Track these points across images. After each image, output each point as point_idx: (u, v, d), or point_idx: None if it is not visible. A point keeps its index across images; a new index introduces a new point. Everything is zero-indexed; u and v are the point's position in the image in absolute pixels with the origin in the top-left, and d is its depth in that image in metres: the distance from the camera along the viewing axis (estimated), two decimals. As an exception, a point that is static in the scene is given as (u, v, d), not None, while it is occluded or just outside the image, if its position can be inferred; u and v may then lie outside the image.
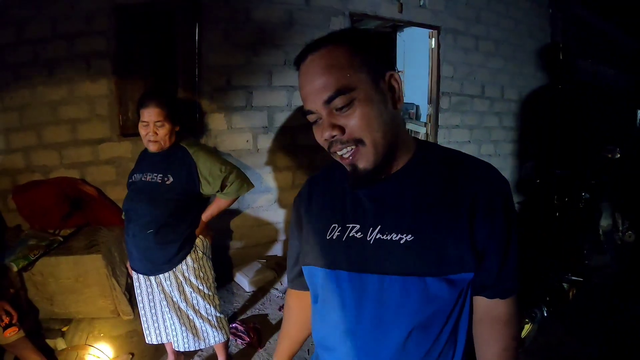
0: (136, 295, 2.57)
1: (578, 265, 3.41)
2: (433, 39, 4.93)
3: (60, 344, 3.16)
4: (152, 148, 2.36)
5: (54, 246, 3.36)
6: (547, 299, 3.12)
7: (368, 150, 0.93)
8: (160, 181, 2.34)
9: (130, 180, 2.49)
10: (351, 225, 1.02)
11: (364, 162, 0.95)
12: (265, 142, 4.16)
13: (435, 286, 0.93)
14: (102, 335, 3.30)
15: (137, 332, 3.29)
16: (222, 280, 3.93)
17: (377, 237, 0.97)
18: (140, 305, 2.56)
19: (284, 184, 4.32)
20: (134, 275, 2.53)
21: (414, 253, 0.94)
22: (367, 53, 0.94)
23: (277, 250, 4.43)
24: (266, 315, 3.56)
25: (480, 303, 1.02)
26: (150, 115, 2.30)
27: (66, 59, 3.60)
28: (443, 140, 5.17)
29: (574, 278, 3.28)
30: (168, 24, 3.77)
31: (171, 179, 2.34)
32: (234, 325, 3.30)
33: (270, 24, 3.96)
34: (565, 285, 3.32)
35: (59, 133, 3.67)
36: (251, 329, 3.28)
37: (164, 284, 2.44)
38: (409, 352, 0.97)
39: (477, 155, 5.34)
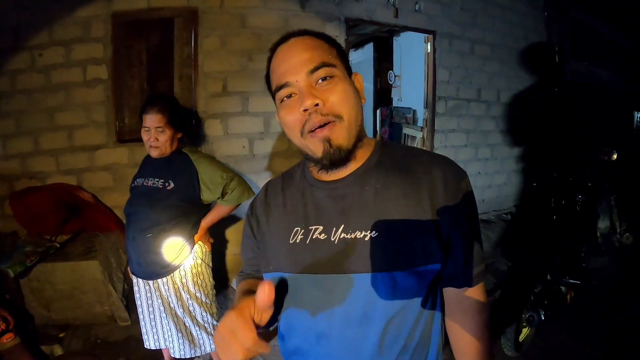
0: (135, 299, 2.55)
1: (576, 267, 3.40)
2: (429, 44, 4.94)
3: (57, 350, 3.15)
4: (154, 153, 2.37)
5: (50, 252, 3.36)
6: (545, 302, 3.11)
7: (344, 126, 0.96)
8: (161, 186, 2.34)
9: (133, 185, 2.49)
10: (314, 227, 1.01)
11: (339, 137, 0.96)
12: (262, 147, 4.16)
13: (404, 279, 0.93)
14: (98, 341, 3.29)
15: (134, 338, 3.28)
16: (218, 286, 3.91)
17: (341, 236, 0.97)
18: (139, 310, 2.55)
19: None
20: (134, 279, 2.52)
21: (380, 249, 0.93)
22: (339, 50, 1.04)
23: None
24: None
25: (450, 294, 1.02)
26: (151, 120, 2.31)
27: (63, 66, 3.62)
28: (440, 144, 5.17)
29: (571, 281, 3.27)
30: (164, 30, 3.79)
31: (172, 185, 2.34)
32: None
33: (265, 30, 3.98)
34: (563, 288, 3.30)
35: (55, 139, 3.68)
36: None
37: (162, 289, 2.43)
38: (385, 349, 0.96)
39: (474, 158, 5.40)
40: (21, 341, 2.67)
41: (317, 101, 0.93)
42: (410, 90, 6.25)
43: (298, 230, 1.03)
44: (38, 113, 3.64)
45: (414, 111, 6.25)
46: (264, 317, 0.82)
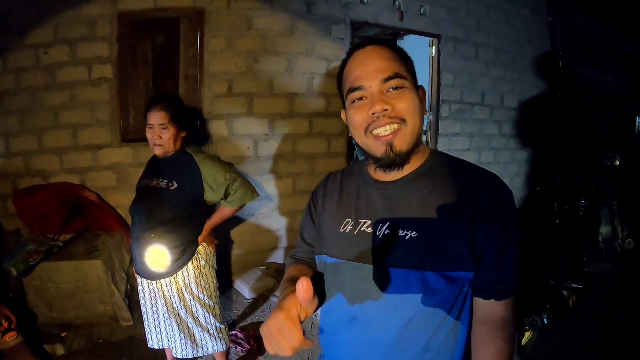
0: (139, 299, 2.54)
1: (578, 272, 3.40)
2: (433, 47, 4.95)
3: (59, 349, 3.14)
4: (157, 152, 2.37)
5: (53, 251, 3.35)
6: (548, 306, 3.12)
7: (407, 131, 1.06)
8: (164, 186, 2.34)
9: (138, 185, 2.50)
10: (363, 221, 1.11)
11: (401, 141, 1.06)
12: (266, 149, 4.17)
13: (435, 280, 1.00)
14: (101, 341, 3.28)
15: (136, 338, 3.28)
16: (222, 287, 3.91)
17: (385, 232, 1.06)
18: (143, 309, 2.54)
19: (285, 191, 4.32)
20: (138, 279, 2.51)
21: (416, 248, 1.02)
22: (409, 64, 1.12)
23: (277, 257, 4.41)
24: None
25: (478, 304, 1.06)
26: (155, 118, 2.32)
27: (68, 64, 3.62)
28: (443, 148, 5.18)
29: (574, 285, 3.28)
30: (170, 30, 3.80)
31: (175, 185, 2.34)
32: (233, 332, 3.27)
33: (271, 31, 3.99)
34: (565, 292, 3.31)
35: (59, 138, 3.67)
36: (251, 337, 3.25)
37: (165, 289, 2.43)
38: (407, 341, 1.03)
39: (477, 162, 5.36)
40: (23, 340, 2.66)
41: (386, 107, 1.03)
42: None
43: (349, 221, 1.14)
44: (42, 111, 3.63)
45: (418, 114, 6.26)
46: (308, 312, 0.94)
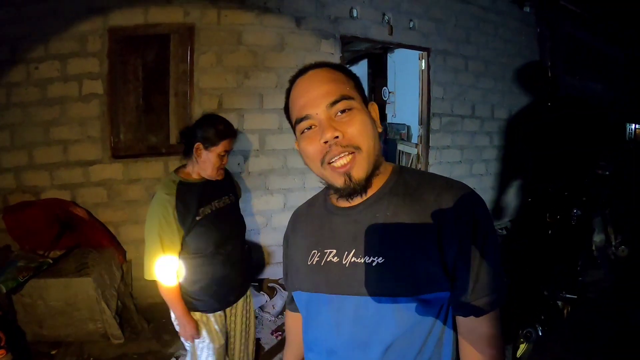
0: (229, 337, 2.41)
1: (572, 282, 3.39)
2: (423, 61, 5.00)
3: (48, 366, 3.10)
4: (219, 176, 2.25)
5: (43, 268, 3.32)
6: (542, 317, 3.10)
7: (363, 158, 1.00)
8: (230, 201, 2.34)
9: (206, 214, 2.18)
10: (329, 251, 1.08)
11: (359, 169, 1.00)
12: (256, 165, 4.17)
13: (409, 306, 0.97)
14: (91, 359, 3.24)
15: (127, 356, 3.24)
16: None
17: (351, 260, 1.03)
18: (211, 351, 2.30)
19: (276, 206, 4.31)
20: (211, 317, 2.27)
21: (385, 275, 0.98)
22: (356, 81, 1.09)
23: (269, 273, 4.38)
24: (258, 339, 3.51)
25: (460, 322, 1.02)
26: (231, 145, 2.22)
27: (59, 80, 3.63)
28: (434, 160, 5.19)
29: (568, 296, 3.27)
30: (161, 46, 3.82)
31: (233, 197, 2.38)
32: (225, 347, 3.24)
33: (261, 47, 4.02)
34: (559, 303, 3.30)
35: (50, 154, 3.67)
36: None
37: (239, 307, 2.41)
38: None
39: (469, 174, 5.42)
40: (13, 358, 2.63)
41: (337, 134, 0.98)
42: (404, 106, 6.30)
43: (315, 252, 1.11)
44: (33, 127, 3.64)
45: (409, 127, 6.29)
46: None
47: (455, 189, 1.02)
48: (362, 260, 1.01)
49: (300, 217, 1.25)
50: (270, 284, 4.18)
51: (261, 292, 4.04)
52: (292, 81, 1.09)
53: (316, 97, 1.00)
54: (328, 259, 1.07)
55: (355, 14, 4.41)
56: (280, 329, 3.53)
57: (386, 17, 4.61)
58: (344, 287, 1.03)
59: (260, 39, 4.01)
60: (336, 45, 4.32)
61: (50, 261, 3.41)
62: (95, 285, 3.28)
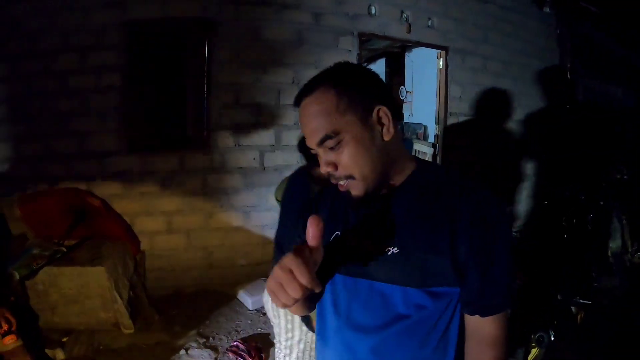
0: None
1: (586, 288, 3.35)
2: (441, 60, 4.95)
3: (59, 354, 3.13)
4: None
5: (57, 256, 3.34)
6: (555, 322, 3.06)
7: (358, 183, 1.04)
8: None
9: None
10: (350, 235, 1.12)
11: (355, 191, 1.05)
12: (272, 160, 4.18)
13: (417, 296, 1.01)
14: (101, 347, 3.27)
15: (136, 347, 3.26)
16: (226, 298, 3.95)
17: (370, 247, 1.06)
18: None
19: (289, 203, 4.29)
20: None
21: (398, 265, 1.02)
22: (354, 92, 1.03)
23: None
24: (268, 334, 3.50)
25: (468, 320, 1.04)
26: None
27: (77, 72, 3.66)
28: (449, 161, 5.15)
29: (582, 301, 3.23)
30: (179, 40, 3.83)
31: None
32: (235, 343, 3.25)
33: (279, 43, 4.03)
34: (573, 308, 3.26)
35: (67, 144, 3.71)
36: (253, 348, 3.21)
37: None
38: (389, 348, 1.05)
39: (484, 175, 5.35)
40: (23, 343, 2.65)
41: (329, 169, 1.04)
42: (421, 106, 6.26)
43: (338, 234, 1.14)
44: (51, 117, 3.68)
45: (425, 127, 6.25)
46: (317, 258, 0.91)
47: (474, 188, 1.04)
48: (380, 249, 1.04)
49: (328, 196, 1.26)
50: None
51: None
52: (296, 105, 1.10)
53: (308, 134, 1.04)
54: (347, 244, 1.11)
55: (373, 11, 4.39)
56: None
57: (405, 15, 4.58)
58: (360, 271, 1.07)
59: (278, 34, 4.02)
60: (354, 42, 4.31)
61: (65, 250, 3.43)
62: (108, 275, 3.30)
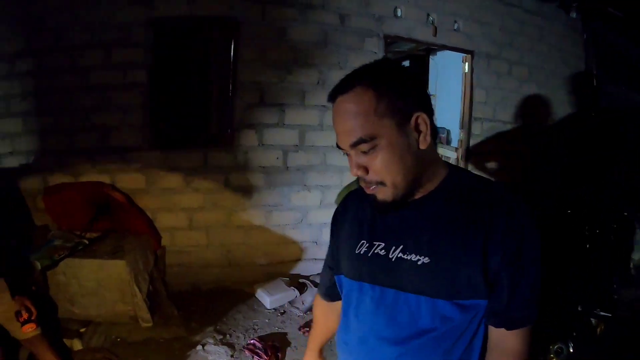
0: None
1: (607, 299, 3.30)
2: (466, 63, 4.89)
3: (76, 344, 3.16)
4: None
5: (79, 248, 3.41)
6: (574, 334, 3.02)
7: (388, 190, 1.02)
8: None
9: None
10: (377, 243, 1.09)
11: (383, 196, 1.03)
12: (295, 160, 4.18)
13: (446, 308, 1.00)
14: (119, 340, 3.30)
15: (153, 340, 3.29)
16: (244, 296, 3.97)
17: (398, 255, 1.05)
18: None
19: (312, 203, 4.31)
20: None
21: (428, 275, 1.01)
22: (395, 96, 0.98)
23: (301, 269, 4.38)
24: (285, 334, 3.51)
25: (492, 332, 1.03)
26: None
27: (101, 67, 3.70)
28: (474, 167, 5.10)
29: (602, 313, 3.18)
30: (204, 38, 3.86)
31: None
32: (252, 341, 3.25)
33: (305, 43, 4.02)
34: (593, 320, 3.21)
35: (90, 139, 3.76)
36: (269, 347, 3.21)
37: None
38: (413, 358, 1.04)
39: (507, 181, 5.28)
40: (42, 332, 2.69)
41: (359, 173, 1.02)
42: (445, 110, 6.19)
43: (364, 242, 1.13)
44: (75, 112, 3.73)
45: (448, 131, 6.19)
46: None
47: (507, 197, 1.02)
48: (409, 257, 1.03)
49: (355, 202, 1.24)
50: (301, 280, 4.19)
51: (291, 287, 4.04)
52: (330, 101, 1.05)
53: (341, 133, 1.01)
54: (375, 251, 1.09)
55: (399, 14, 4.35)
56: (308, 325, 3.51)
57: (430, 18, 4.53)
58: (387, 280, 1.06)
59: (304, 34, 4.01)
60: (380, 44, 4.28)
61: (86, 242, 3.50)
62: (129, 269, 3.34)
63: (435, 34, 4.56)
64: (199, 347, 3.24)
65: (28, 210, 3.79)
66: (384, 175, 1.00)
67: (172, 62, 3.81)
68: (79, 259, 3.35)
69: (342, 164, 4.27)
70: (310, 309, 3.75)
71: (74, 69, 3.70)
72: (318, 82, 4.08)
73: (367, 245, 1.11)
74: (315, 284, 3.98)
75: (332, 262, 1.29)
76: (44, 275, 3.29)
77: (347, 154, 1.04)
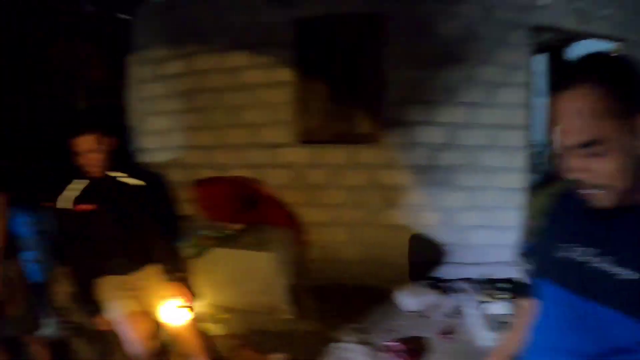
0: None
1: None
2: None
3: (219, 329, 3.32)
4: None
5: (224, 239, 3.57)
6: None
7: (604, 195, 0.93)
8: None
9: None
10: (579, 249, 1.01)
11: (597, 201, 0.94)
12: (443, 159, 4.07)
13: None
14: (258, 329, 3.40)
15: (292, 332, 3.36)
16: (384, 296, 3.91)
17: (599, 265, 0.96)
18: None
19: (458, 204, 4.16)
20: None
21: (633, 292, 0.89)
22: (626, 96, 0.89)
23: (443, 272, 4.23)
24: (425, 338, 3.36)
25: None
26: None
27: (248, 67, 3.86)
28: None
29: None
30: (350, 36, 3.86)
31: None
32: (394, 342, 3.15)
33: (449, 37, 3.92)
34: None
35: (239, 135, 3.94)
36: (411, 351, 3.13)
37: None
38: None
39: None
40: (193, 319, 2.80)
41: (581, 175, 0.92)
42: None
43: (564, 246, 1.05)
44: (223, 110, 3.91)
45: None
46: None
47: None
48: (611, 269, 0.93)
49: (560, 205, 1.15)
50: (442, 283, 4.05)
51: (432, 291, 3.92)
52: (553, 89, 0.96)
53: (567, 129, 0.91)
54: (575, 256, 1.01)
55: (543, 2, 4.09)
56: (449, 331, 3.38)
57: (576, 5, 4.21)
58: (586, 290, 0.98)
59: (449, 29, 3.91)
60: (525, 36, 4.06)
61: (232, 233, 3.65)
62: (273, 261, 3.45)
63: (581, 22, 4.24)
64: (336, 342, 3.20)
65: (177, 201, 4.03)
66: (608, 180, 0.90)
67: (317, 61, 3.85)
68: (225, 249, 3.52)
69: (494, 165, 4.11)
70: (449, 314, 3.63)
71: (221, 69, 3.88)
72: (466, 78, 3.94)
73: (567, 249, 1.04)
74: (456, 289, 3.89)
75: (532, 264, 1.23)
76: (190, 263, 3.47)
77: (563, 154, 0.95)
